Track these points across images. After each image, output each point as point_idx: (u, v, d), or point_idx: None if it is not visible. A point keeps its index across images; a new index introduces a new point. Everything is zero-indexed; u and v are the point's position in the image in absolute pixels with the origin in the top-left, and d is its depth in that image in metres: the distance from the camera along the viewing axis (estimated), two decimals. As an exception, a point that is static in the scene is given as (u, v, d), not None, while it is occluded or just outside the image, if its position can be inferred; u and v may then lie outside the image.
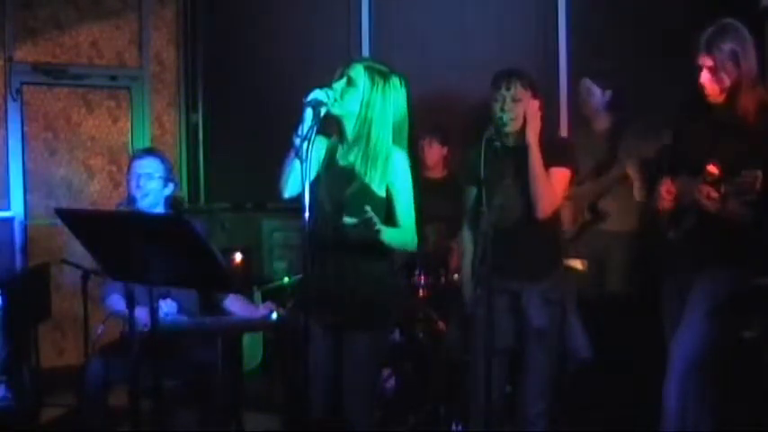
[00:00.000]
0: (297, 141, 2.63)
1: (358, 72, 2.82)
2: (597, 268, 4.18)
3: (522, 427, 3.14)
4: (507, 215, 3.08)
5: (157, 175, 3.49)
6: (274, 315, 3.29)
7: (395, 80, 2.84)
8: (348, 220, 2.68)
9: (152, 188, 3.47)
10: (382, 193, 2.82)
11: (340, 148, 2.88)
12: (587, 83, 4.29)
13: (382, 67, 2.85)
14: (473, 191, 3.18)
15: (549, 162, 3.08)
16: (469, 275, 3.25)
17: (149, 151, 3.68)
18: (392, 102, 2.83)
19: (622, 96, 4.27)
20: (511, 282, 3.11)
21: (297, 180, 2.63)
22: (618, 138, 4.11)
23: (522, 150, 3.10)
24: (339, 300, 2.81)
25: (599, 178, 4.16)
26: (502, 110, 3.07)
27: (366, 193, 2.81)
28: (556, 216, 3.20)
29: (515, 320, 3.14)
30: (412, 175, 2.86)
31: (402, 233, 2.83)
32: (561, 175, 3.13)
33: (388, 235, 2.72)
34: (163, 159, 3.57)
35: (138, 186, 3.45)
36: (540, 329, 3.09)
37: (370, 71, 2.83)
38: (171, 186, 3.55)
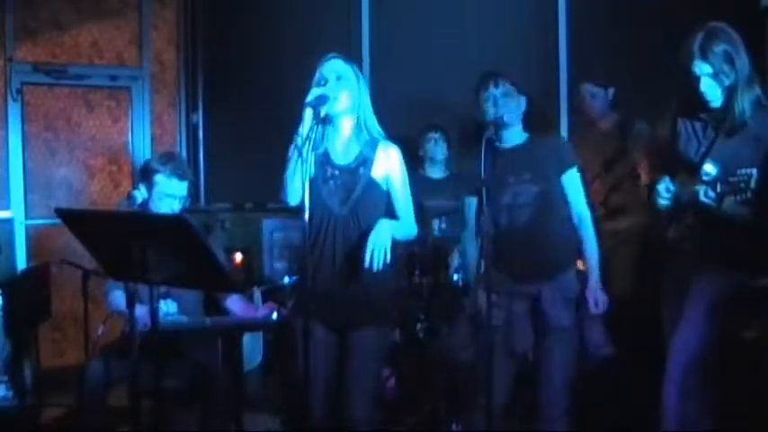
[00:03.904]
0: (299, 142, 2.64)
1: (342, 67, 2.82)
2: (604, 267, 4.16)
3: (546, 427, 3.12)
4: (517, 215, 3.06)
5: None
6: (275, 315, 3.29)
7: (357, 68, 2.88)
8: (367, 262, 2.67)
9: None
10: (384, 186, 2.85)
11: (334, 148, 2.87)
12: (588, 87, 4.30)
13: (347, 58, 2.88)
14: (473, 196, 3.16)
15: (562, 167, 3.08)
16: (474, 278, 3.23)
17: (189, 176, 3.53)
18: (366, 88, 2.87)
19: (624, 94, 4.28)
20: (527, 285, 3.07)
21: (300, 186, 2.64)
22: (625, 133, 4.11)
23: (521, 147, 3.10)
24: (342, 299, 2.81)
25: (608, 174, 4.15)
26: (495, 106, 3.06)
27: (373, 186, 2.82)
28: (567, 214, 3.17)
29: (534, 323, 3.10)
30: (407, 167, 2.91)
31: (403, 225, 2.85)
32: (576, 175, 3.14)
33: (396, 233, 2.75)
34: None
35: (171, 207, 3.41)
36: (563, 328, 3.06)
37: (349, 63, 2.85)
38: None
